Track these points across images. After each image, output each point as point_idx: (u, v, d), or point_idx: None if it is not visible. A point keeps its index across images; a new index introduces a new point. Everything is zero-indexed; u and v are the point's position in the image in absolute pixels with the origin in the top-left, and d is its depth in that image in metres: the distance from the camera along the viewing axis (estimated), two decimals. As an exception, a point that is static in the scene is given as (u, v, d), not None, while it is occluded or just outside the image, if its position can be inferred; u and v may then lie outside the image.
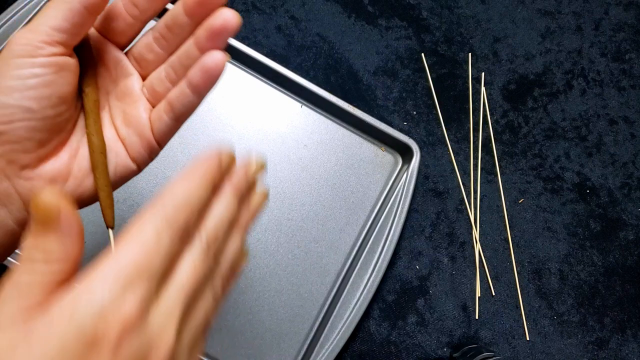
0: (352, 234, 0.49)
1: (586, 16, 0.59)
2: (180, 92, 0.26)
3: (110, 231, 0.27)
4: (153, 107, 0.28)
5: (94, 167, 0.26)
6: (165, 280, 0.19)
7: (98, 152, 0.26)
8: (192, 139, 0.49)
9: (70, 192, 0.26)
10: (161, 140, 0.28)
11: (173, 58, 0.27)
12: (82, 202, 0.27)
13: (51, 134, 0.25)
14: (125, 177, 0.28)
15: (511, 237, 0.53)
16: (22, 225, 0.25)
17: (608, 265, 0.53)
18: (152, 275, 0.18)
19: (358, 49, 0.55)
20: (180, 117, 0.27)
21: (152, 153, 0.28)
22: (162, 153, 0.48)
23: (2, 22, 0.46)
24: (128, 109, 0.27)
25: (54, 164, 0.25)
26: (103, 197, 0.27)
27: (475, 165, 0.54)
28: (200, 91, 0.26)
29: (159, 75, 0.27)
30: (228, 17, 0.24)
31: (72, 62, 0.25)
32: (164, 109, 0.27)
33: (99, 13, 0.25)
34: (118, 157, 0.27)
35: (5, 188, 0.24)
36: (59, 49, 0.24)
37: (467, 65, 0.56)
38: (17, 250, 0.25)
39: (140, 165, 0.28)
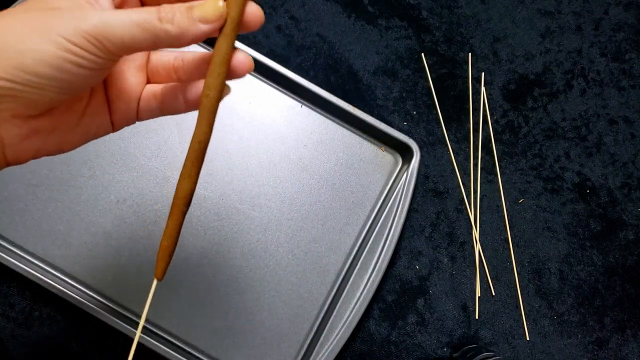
0: (352, 234, 0.49)
1: (586, 16, 0.59)
2: (174, 96, 0.27)
3: (155, 282, 0.26)
4: (149, 82, 0.28)
5: (172, 212, 0.25)
6: None
7: (183, 197, 0.25)
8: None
9: (40, 144, 0.25)
10: (142, 119, 0.28)
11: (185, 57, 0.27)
12: (39, 155, 0.26)
13: (64, 102, 0.24)
14: (99, 135, 0.28)
15: (511, 237, 0.53)
16: None
17: (608, 265, 0.53)
18: None
19: (358, 49, 0.55)
20: (166, 112, 0.28)
21: (129, 123, 0.28)
22: (162, 153, 0.48)
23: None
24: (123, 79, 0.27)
25: (45, 120, 0.24)
26: (165, 249, 0.25)
27: (475, 165, 0.54)
28: (191, 108, 0.27)
29: (165, 62, 0.28)
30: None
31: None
32: (154, 96, 0.27)
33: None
34: (103, 119, 0.27)
35: None
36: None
37: (467, 65, 0.56)
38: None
39: (116, 128, 0.28)
